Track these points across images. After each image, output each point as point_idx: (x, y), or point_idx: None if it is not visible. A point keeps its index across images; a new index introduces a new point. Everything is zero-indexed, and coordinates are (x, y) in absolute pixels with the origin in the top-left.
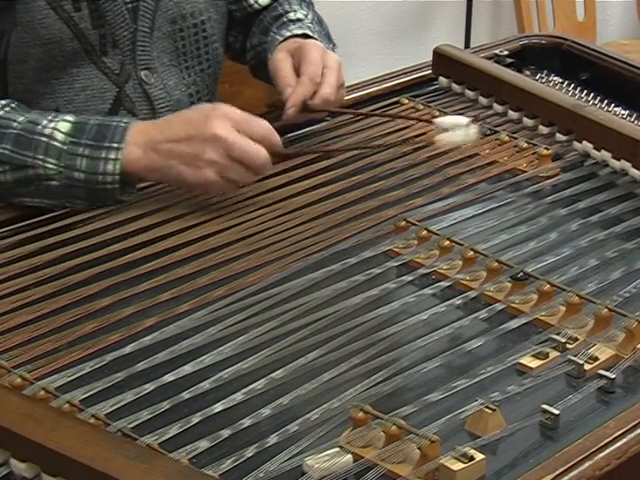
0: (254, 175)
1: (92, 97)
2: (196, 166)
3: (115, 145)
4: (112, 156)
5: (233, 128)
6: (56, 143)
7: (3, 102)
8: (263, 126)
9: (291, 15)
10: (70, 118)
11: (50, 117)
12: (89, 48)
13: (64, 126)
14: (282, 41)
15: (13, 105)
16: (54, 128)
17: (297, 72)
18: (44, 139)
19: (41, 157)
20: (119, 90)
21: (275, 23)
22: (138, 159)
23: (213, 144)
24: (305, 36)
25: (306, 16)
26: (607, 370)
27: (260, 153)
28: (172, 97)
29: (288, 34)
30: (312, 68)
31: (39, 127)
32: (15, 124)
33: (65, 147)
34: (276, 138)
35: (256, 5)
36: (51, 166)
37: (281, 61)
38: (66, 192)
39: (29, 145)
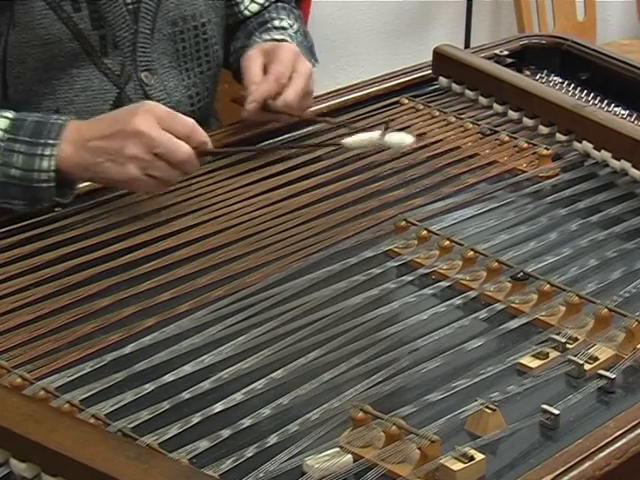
0: (177, 172)
1: (93, 98)
2: (119, 162)
3: (50, 142)
4: (47, 152)
5: (157, 124)
6: None
7: None
8: (187, 123)
9: (276, 22)
10: (9, 115)
11: None
12: (89, 49)
13: (2, 122)
14: (260, 43)
15: None
16: None
17: (266, 71)
18: None
19: None
20: (119, 91)
21: (260, 28)
22: (70, 157)
23: (135, 139)
24: (284, 42)
25: (291, 26)
26: (607, 370)
27: (182, 149)
28: (172, 98)
29: (267, 37)
30: (280, 68)
31: None
32: None
33: (3, 144)
34: (201, 135)
35: (246, 12)
36: None
37: (251, 59)
38: (4, 191)
39: None
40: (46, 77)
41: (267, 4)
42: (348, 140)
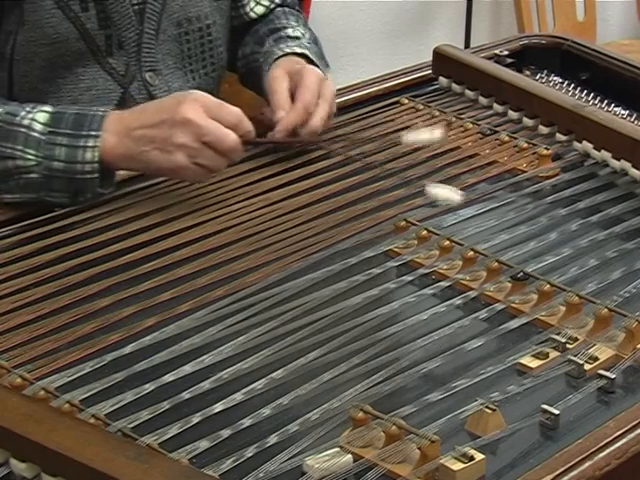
0: (225, 160)
1: (97, 97)
2: (167, 150)
3: (93, 133)
4: (90, 144)
5: (204, 113)
6: (35, 133)
7: None
8: (234, 112)
9: (289, 31)
10: (48, 109)
11: (28, 108)
12: (95, 48)
13: (42, 116)
14: (281, 56)
15: None
16: (32, 119)
17: (292, 95)
18: (23, 130)
19: (20, 147)
20: (124, 91)
21: (272, 35)
22: (114, 147)
23: (183, 128)
24: (304, 56)
25: (303, 35)
26: (607, 370)
27: (230, 137)
28: None
29: (288, 50)
30: (308, 97)
31: (17, 118)
32: None
33: (44, 137)
34: (247, 125)
35: (252, 13)
36: (30, 157)
37: (278, 80)
38: (46, 184)
39: (8, 136)
40: (52, 76)
41: (272, 6)
42: (408, 137)
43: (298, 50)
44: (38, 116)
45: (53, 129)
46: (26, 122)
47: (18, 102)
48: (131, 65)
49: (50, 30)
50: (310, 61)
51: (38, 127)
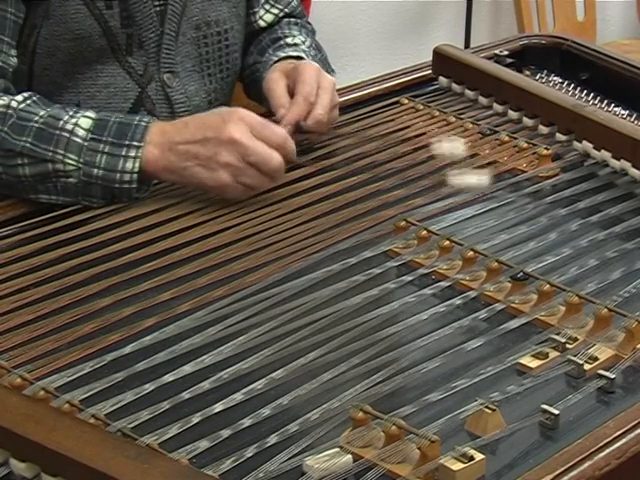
0: (269, 180)
1: (114, 95)
2: (211, 168)
3: (135, 143)
4: (132, 154)
5: (250, 132)
6: (77, 139)
7: (25, 95)
8: (279, 133)
9: (289, 40)
10: (91, 115)
11: (71, 112)
12: (115, 47)
13: (85, 122)
14: (276, 61)
15: (35, 98)
16: (75, 124)
17: (291, 93)
18: (65, 134)
19: (61, 152)
20: (141, 90)
21: (273, 45)
22: (156, 159)
23: (229, 147)
24: (300, 59)
25: (304, 42)
26: (607, 370)
27: (274, 158)
28: (192, 102)
29: (282, 55)
30: (307, 88)
31: (61, 122)
32: (37, 117)
33: (86, 143)
34: (291, 146)
35: (261, 21)
36: (71, 162)
37: (275, 81)
38: (83, 190)
39: (50, 139)
40: (71, 71)
41: (281, 14)
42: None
43: (294, 53)
44: (81, 121)
45: (96, 136)
46: (69, 127)
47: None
48: (150, 65)
49: (74, 25)
50: None
51: (81, 133)
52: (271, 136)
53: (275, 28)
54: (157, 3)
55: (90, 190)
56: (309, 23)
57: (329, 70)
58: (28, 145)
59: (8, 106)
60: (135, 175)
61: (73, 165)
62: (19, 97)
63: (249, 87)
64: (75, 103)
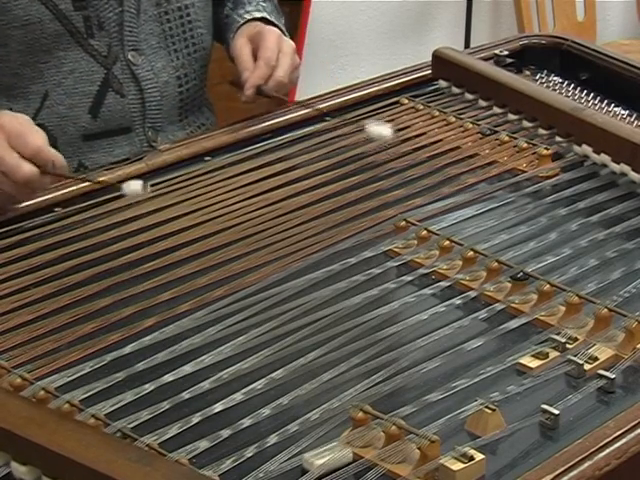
0: (24, 189)
1: (80, 80)
2: None
3: None
4: None
5: (4, 140)
6: None
7: None
8: (33, 142)
9: None
10: None
11: None
12: (73, 30)
13: None
14: (243, 24)
15: None
16: None
17: (255, 56)
18: None
19: None
20: (107, 72)
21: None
22: None
23: None
24: (264, 19)
25: None
26: (607, 370)
27: (22, 169)
28: (160, 79)
29: (248, 17)
30: (268, 53)
31: None
32: None
33: None
34: (48, 156)
35: None
36: None
37: (241, 47)
38: None
39: None
40: (32, 60)
41: None
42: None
43: (257, 15)
44: None
45: None
46: None
47: None
48: (113, 45)
49: (20, 12)
50: (269, 22)
51: None
52: (23, 147)
53: None
54: None
55: None
56: None
57: (281, 17)
58: None
59: None
60: None
61: None
62: None
63: (217, 36)
64: (43, 93)
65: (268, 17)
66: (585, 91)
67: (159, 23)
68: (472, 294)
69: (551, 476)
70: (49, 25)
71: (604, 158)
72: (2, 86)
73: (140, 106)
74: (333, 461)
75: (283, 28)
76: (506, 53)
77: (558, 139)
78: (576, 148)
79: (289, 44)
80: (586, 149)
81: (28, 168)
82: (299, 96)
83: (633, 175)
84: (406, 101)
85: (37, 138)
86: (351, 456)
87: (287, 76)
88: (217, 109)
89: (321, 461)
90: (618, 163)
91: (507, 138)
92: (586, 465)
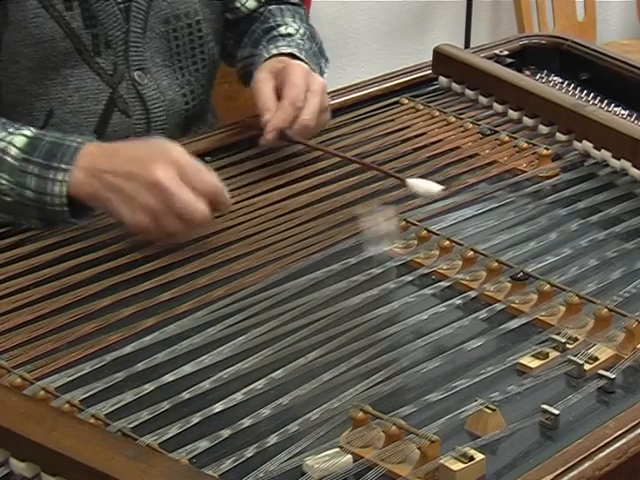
0: (191, 230)
1: (86, 98)
2: (132, 207)
3: (63, 166)
4: (59, 177)
5: (177, 176)
6: (9, 158)
7: None
8: (209, 181)
9: (282, 29)
10: (28, 133)
11: (11, 129)
12: (82, 48)
13: (20, 141)
14: (268, 59)
15: None
16: (9, 142)
17: (279, 94)
18: None
19: None
20: (112, 91)
21: (266, 36)
22: (81, 184)
23: (152, 189)
24: (292, 55)
25: (297, 31)
26: (607, 370)
27: (199, 209)
28: (166, 97)
29: (275, 52)
30: (294, 92)
31: None
32: None
33: (17, 163)
34: (222, 195)
35: (244, 9)
36: (4, 182)
37: (262, 82)
38: (20, 210)
39: None
40: (39, 77)
41: (265, 0)
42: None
43: (286, 50)
44: (16, 140)
45: (27, 156)
46: (2, 145)
47: (4, 105)
48: (119, 64)
49: (35, 30)
50: (297, 58)
51: (13, 152)
52: (200, 184)
53: (267, 16)
54: (120, 0)
55: (27, 211)
56: (299, 5)
57: (323, 61)
58: None
59: None
60: (64, 199)
61: (6, 185)
62: None
63: (245, 79)
64: (47, 110)
65: (297, 53)
66: (585, 91)
67: (166, 40)
68: (472, 294)
69: (551, 476)
70: (61, 44)
71: (605, 154)
72: (8, 103)
73: (145, 125)
74: (334, 467)
75: (317, 68)
76: (506, 53)
77: (559, 136)
78: (577, 144)
79: (319, 82)
80: (587, 145)
81: (203, 210)
82: None
83: (634, 171)
84: (406, 101)
85: (214, 177)
86: (351, 461)
87: (314, 119)
88: (217, 109)
89: (322, 467)
90: (619, 159)
91: (507, 138)
92: (586, 465)
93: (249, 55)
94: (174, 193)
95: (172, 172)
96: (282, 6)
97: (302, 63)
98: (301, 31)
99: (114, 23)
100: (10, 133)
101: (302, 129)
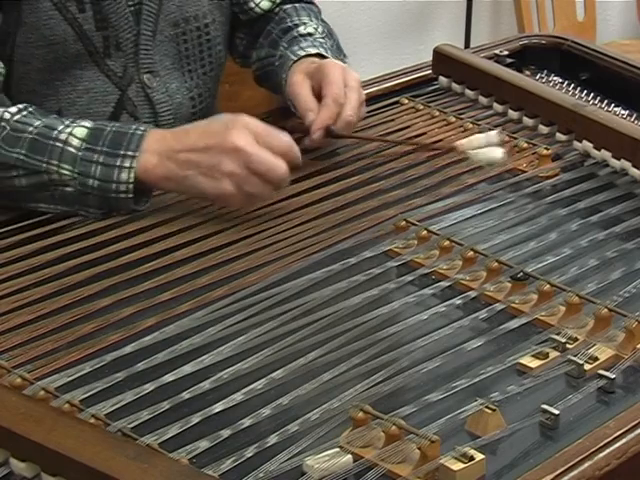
0: (272, 188)
1: (95, 100)
2: (214, 177)
3: (130, 153)
4: (127, 164)
5: (254, 140)
6: (71, 149)
7: (20, 106)
8: (284, 140)
9: (301, 29)
10: (87, 124)
11: (67, 122)
12: (92, 50)
13: (80, 132)
14: (296, 61)
15: (31, 109)
16: (70, 133)
17: (316, 94)
18: (59, 144)
19: (55, 162)
20: (122, 93)
21: (284, 37)
22: (154, 167)
23: (232, 155)
24: (319, 55)
25: (316, 29)
26: (607, 370)
27: (280, 167)
28: (174, 101)
29: (302, 53)
30: (335, 90)
31: (55, 132)
32: (31, 128)
33: (80, 153)
34: (297, 153)
35: (257, 9)
36: (66, 172)
37: (299, 84)
38: (80, 199)
39: (44, 150)
40: (49, 78)
41: (279, 0)
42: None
43: (312, 51)
44: (76, 131)
45: (90, 146)
46: (63, 136)
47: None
48: (129, 67)
49: (48, 31)
50: (324, 58)
51: (75, 142)
52: (276, 143)
53: (282, 16)
54: (131, 3)
55: (87, 200)
56: (312, 2)
57: (341, 55)
58: (22, 157)
59: (1, 118)
60: (131, 185)
61: (69, 175)
62: (13, 109)
63: (262, 79)
64: (56, 110)
65: (324, 53)
66: (585, 91)
67: (175, 44)
68: (472, 294)
69: (551, 476)
70: (72, 45)
71: (605, 154)
72: (19, 103)
73: None
74: (334, 467)
75: (339, 56)
76: (506, 53)
77: (559, 136)
78: (577, 144)
79: (355, 77)
80: (587, 145)
81: (283, 166)
82: None
83: (633, 171)
84: (406, 101)
85: (286, 135)
86: (351, 461)
87: (356, 114)
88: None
89: (322, 467)
90: (619, 159)
91: (507, 138)
92: (586, 465)
93: (266, 56)
94: (253, 154)
95: (248, 136)
96: (296, 5)
97: (336, 61)
98: (320, 29)
99: (125, 25)
100: (68, 125)
101: (346, 125)
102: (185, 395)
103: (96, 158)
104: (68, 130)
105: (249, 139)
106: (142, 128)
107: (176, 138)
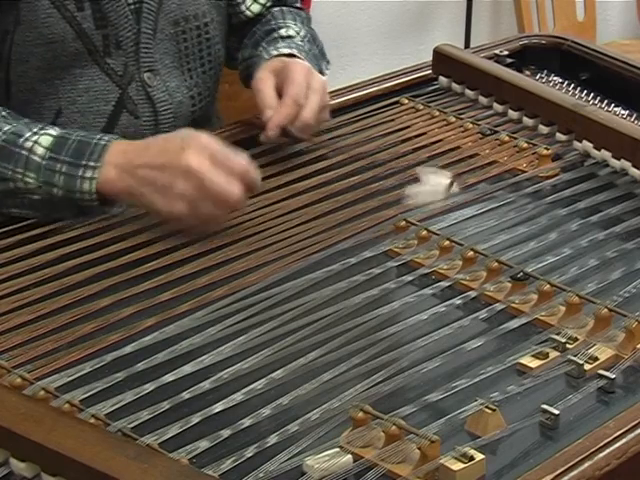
0: (226, 212)
1: (95, 98)
2: (167, 196)
3: (92, 164)
4: (88, 175)
5: (209, 161)
6: (35, 157)
7: None
8: (240, 162)
9: (282, 31)
10: (53, 132)
11: (35, 129)
12: (92, 49)
13: (46, 140)
14: (268, 60)
15: (4, 113)
16: (35, 142)
17: (279, 92)
18: (24, 152)
19: (21, 170)
20: (122, 92)
21: (266, 38)
22: (113, 180)
23: (186, 176)
24: (292, 56)
25: (298, 33)
26: (607, 370)
27: (232, 190)
28: (174, 99)
29: (275, 53)
30: (296, 89)
31: (21, 140)
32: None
33: (44, 162)
34: (253, 175)
35: (248, 12)
36: (30, 180)
37: (262, 80)
38: (49, 206)
39: (10, 157)
40: (49, 77)
41: (269, 4)
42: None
43: (285, 51)
44: (42, 139)
45: (54, 155)
46: (28, 144)
47: (14, 103)
48: (129, 65)
49: (46, 30)
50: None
51: (40, 151)
52: (232, 165)
53: (268, 18)
54: (131, 1)
55: (56, 207)
56: (302, 9)
57: (324, 63)
58: None
59: None
60: (94, 196)
61: (34, 184)
62: None
63: (245, 80)
64: (56, 109)
65: (297, 54)
66: (585, 91)
67: (175, 42)
68: (472, 294)
69: (551, 476)
70: (71, 44)
71: (605, 154)
72: (18, 101)
73: (153, 127)
74: (334, 467)
75: (317, 70)
76: (506, 53)
77: (558, 136)
78: (577, 144)
79: (319, 80)
80: (587, 145)
81: (237, 189)
82: None
83: (633, 171)
84: (406, 101)
85: (243, 158)
86: (351, 461)
87: (315, 117)
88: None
89: (322, 467)
90: (619, 159)
91: (507, 138)
92: (586, 465)
93: (249, 56)
94: (207, 177)
95: (203, 158)
96: (284, 8)
97: (303, 61)
98: (302, 33)
99: (125, 24)
100: (35, 133)
101: (303, 126)
102: (185, 395)
103: (59, 168)
104: (34, 138)
105: (204, 160)
106: (106, 138)
107: (136, 152)
